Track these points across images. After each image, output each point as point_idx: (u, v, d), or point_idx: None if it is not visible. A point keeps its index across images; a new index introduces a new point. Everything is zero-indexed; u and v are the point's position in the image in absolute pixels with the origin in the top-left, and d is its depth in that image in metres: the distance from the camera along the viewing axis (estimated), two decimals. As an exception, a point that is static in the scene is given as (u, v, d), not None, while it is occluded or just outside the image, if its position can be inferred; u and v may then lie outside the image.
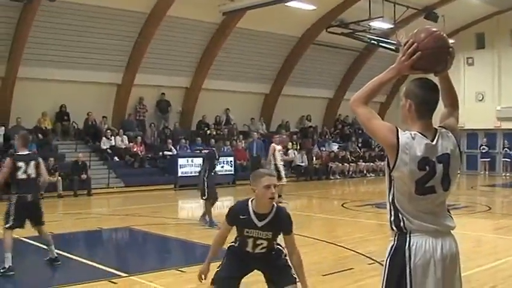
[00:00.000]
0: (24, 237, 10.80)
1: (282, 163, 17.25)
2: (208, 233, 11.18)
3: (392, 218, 3.27)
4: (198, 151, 23.93)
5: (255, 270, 5.13)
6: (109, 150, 23.11)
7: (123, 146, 23.56)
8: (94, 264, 8.91)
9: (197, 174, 22.73)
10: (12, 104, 21.83)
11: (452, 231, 3.30)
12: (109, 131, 23.60)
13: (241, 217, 4.84)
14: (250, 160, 25.36)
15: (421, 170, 3.15)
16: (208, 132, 26.72)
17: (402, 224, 3.22)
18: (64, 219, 14.77)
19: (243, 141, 26.64)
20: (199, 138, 25.63)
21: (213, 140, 24.18)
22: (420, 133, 3.22)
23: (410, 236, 3.19)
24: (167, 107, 26.18)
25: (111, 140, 23.43)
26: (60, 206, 18.02)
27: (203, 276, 5.03)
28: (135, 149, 23.53)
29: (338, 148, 30.28)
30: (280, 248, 5.09)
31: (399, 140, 3.15)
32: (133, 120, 25.18)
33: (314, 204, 17.23)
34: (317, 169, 27.55)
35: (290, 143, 27.27)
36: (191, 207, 17.11)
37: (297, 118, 31.38)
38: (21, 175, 8.57)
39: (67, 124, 23.35)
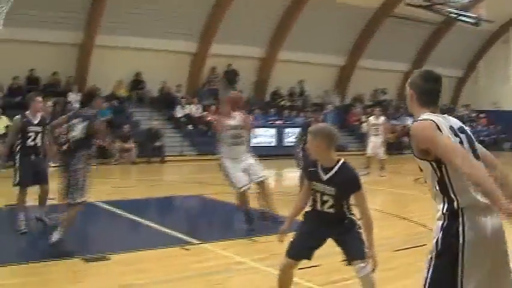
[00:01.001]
0: (97, 201, 11.13)
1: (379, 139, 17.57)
2: (284, 203, 11.18)
3: (444, 205, 3.25)
4: (271, 122, 24.00)
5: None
6: (183, 118, 23.42)
7: (197, 115, 23.84)
8: (166, 230, 9.07)
9: (269, 145, 23.17)
10: (88, 71, 22.41)
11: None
12: (183, 99, 23.88)
13: (310, 169, 4.95)
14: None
15: (456, 137, 3.32)
16: (282, 103, 26.67)
17: (456, 203, 3.19)
18: (138, 186, 15.13)
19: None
20: (272, 110, 25.64)
21: (286, 112, 24.12)
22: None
23: (462, 214, 3.16)
24: (234, 77, 26.26)
25: (185, 108, 23.72)
26: (134, 172, 18.47)
27: (283, 237, 5.03)
28: (209, 118, 23.76)
29: (411, 122, 29.61)
30: (353, 219, 5.01)
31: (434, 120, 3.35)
32: (206, 89, 25.39)
33: (386, 178, 16.97)
34: (391, 143, 27.05)
35: (364, 117, 26.89)
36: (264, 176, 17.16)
37: (371, 91, 30.89)
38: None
39: (142, 92, 23.80)
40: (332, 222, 4.90)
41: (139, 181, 16.05)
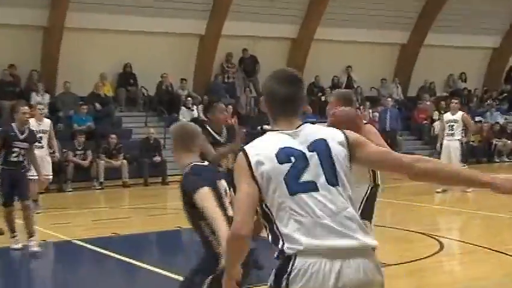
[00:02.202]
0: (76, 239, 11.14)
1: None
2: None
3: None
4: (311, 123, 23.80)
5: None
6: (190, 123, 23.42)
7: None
8: (171, 275, 9.04)
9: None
10: (58, 64, 22.62)
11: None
12: (189, 98, 23.98)
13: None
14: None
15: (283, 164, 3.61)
16: (323, 98, 26.56)
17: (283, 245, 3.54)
18: (132, 216, 15.12)
19: (371, 111, 26.30)
20: (309, 107, 25.50)
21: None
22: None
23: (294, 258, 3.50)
24: (254, 64, 26.22)
25: (192, 110, 23.79)
26: (126, 197, 18.53)
27: None
28: (229, 121, 23.76)
29: (505, 119, 29.37)
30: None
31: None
32: (220, 83, 25.45)
33: (470, 197, 16.77)
34: (475, 147, 26.83)
35: (436, 113, 26.71)
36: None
37: (445, 77, 30.67)
38: None
39: (133, 90, 23.88)
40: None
41: (133, 210, 16.08)
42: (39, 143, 14.12)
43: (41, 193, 17.27)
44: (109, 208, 16.47)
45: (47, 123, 15.37)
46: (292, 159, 3.56)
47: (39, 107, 16.33)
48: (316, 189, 3.54)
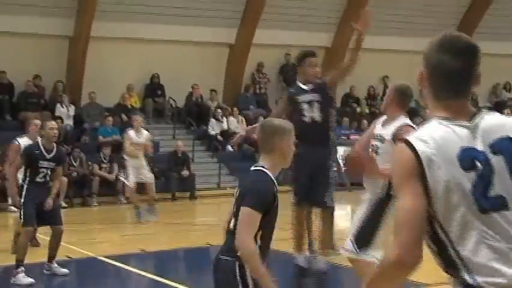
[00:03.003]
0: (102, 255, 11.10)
1: None
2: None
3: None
4: (345, 137, 23.64)
5: None
6: (219, 136, 23.44)
7: (239, 131, 23.80)
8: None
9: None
10: (84, 74, 22.75)
11: None
12: (219, 110, 24.01)
13: None
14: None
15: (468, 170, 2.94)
16: (359, 110, 26.42)
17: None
18: (159, 232, 15.07)
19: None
20: (346, 119, 25.40)
21: (365, 121, 23.85)
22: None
23: None
24: (294, 74, 26.08)
25: (222, 122, 23.84)
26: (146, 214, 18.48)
27: None
28: (256, 135, 23.70)
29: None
30: None
31: None
32: (251, 94, 25.43)
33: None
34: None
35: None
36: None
37: (489, 87, 30.38)
38: None
39: (160, 101, 23.92)
40: None
41: (160, 226, 16.01)
42: (136, 156, 15.61)
43: (64, 207, 17.36)
44: (135, 223, 16.44)
45: (145, 135, 16.01)
46: (478, 164, 2.87)
47: (139, 119, 16.72)
48: (506, 206, 2.88)
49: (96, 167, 20.00)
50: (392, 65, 27.57)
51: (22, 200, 9.91)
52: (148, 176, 16.20)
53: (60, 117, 21.05)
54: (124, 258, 11.24)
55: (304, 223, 9.89)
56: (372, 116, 25.43)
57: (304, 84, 9.95)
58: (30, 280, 9.54)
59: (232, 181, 22.19)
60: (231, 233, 4.80)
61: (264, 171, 4.77)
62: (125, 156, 16.35)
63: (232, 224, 4.82)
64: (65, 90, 22.42)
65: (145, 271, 10.39)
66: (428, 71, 3.09)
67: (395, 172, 2.91)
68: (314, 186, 9.53)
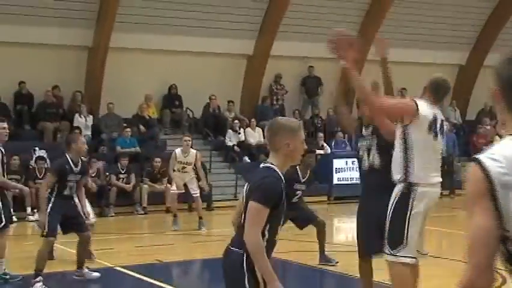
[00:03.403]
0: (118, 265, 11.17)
1: None
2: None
3: None
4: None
5: None
6: (236, 147, 23.50)
7: (256, 142, 23.86)
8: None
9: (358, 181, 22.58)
10: (102, 84, 22.93)
11: None
12: (236, 121, 24.08)
13: None
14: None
15: None
16: (375, 121, 26.44)
17: None
18: (176, 242, 15.12)
19: (426, 135, 26.14)
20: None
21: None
22: None
23: None
24: (317, 86, 26.23)
25: (239, 133, 23.91)
26: (170, 223, 18.52)
27: None
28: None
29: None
30: None
31: None
32: (268, 105, 25.48)
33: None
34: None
35: (497, 138, 26.31)
36: (351, 227, 16.96)
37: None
38: None
39: (178, 112, 24.00)
40: None
41: (177, 237, 16.06)
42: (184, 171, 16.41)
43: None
44: (152, 234, 16.51)
45: (193, 154, 16.54)
46: None
47: (186, 139, 16.93)
48: None
49: (114, 177, 20.08)
50: (410, 77, 27.48)
51: (48, 212, 10.11)
52: (195, 191, 16.79)
53: (78, 128, 21.19)
54: (140, 268, 11.30)
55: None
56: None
57: None
58: None
59: None
60: (242, 227, 4.94)
61: (272, 168, 4.93)
62: (171, 175, 16.91)
63: (242, 218, 4.99)
64: (83, 100, 22.54)
65: (161, 282, 10.43)
66: (501, 86, 2.97)
67: (466, 191, 2.84)
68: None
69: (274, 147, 5.04)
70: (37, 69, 22.06)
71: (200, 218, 16.52)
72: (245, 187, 5.11)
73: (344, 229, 18.08)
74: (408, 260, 6.71)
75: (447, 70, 28.71)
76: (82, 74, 22.99)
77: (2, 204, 10.36)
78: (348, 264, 11.60)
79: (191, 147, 16.86)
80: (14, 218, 13.60)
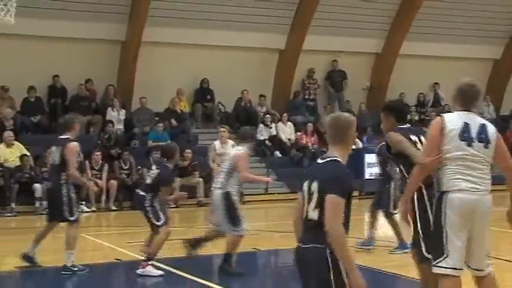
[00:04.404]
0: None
1: None
2: (402, 260, 10.94)
3: None
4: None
5: None
6: (267, 142, 23.56)
7: (287, 137, 23.88)
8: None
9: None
10: (135, 79, 23.15)
11: None
12: (268, 115, 24.13)
13: None
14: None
15: None
16: (408, 116, 26.33)
17: None
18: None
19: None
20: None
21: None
22: None
23: None
24: (342, 80, 26.24)
25: (271, 128, 23.94)
26: (201, 217, 18.58)
27: None
28: (304, 141, 23.73)
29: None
30: None
31: None
32: (300, 100, 25.49)
33: None
34: None
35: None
36: (383, 223, 16.92)
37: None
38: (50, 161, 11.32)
39: (210, 106, 24.11)
40: None
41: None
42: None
43: (114, 210, 17.69)
44: (183, 227, 16.55)
45: (230, 145, 16.31)
46: None
47: (222, 130, 17.46)
48: None
49: (146, 171, 20.15)
50: (443, 71, 27.38)
51: (159, 206, 10.75)
52: None
53: (111, 121, 21.39)
54: (171, 261, 11.35)
55: None
56: (422, 124, 25.37)
57: None
58: (160, 272, 10.52)
59: (280, 186, 22.26)
60: (315, 223, 5.11)
61: (340, 161, 5.22)
62: (213, 167, 17.34)
63: (315, 214, 5.13)
64: (116, 94, 22.76)
65: (192, 275, 10.50)
66: None
67: None
68: None
69: (341, 140, 5.32)
70: (71, 63, 22.31)
71: None
72: (306, 183, 5.25)
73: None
74: (449, 271, 6.52)
75: (481, 64, 28.59)
76: (115, 68, 23.22)
77: (73, 198, 10.78)
78: (380, 260, 11.63)
79: (228, 138, 17.03)
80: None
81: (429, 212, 6.99)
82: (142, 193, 10.79)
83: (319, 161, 5.34)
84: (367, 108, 26.41)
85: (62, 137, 11.00)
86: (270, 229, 16.30)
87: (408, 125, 8.06)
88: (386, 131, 7.94)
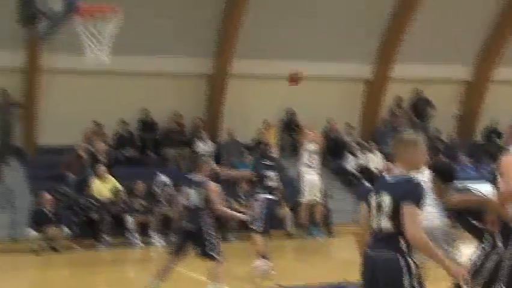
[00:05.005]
0: None
1: None
2: None
3: None
4: (488, 173, 23.24)
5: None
6: (355, 171, 23.57)
7: (376, 166, 23.84)
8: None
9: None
10: (222, 110, 23.70)
11: None
12: (355, 144, 24.21)
13: None
14: None
15: None
16: (502, 145, 26.00)
17: None
18: (294, 267, 15.21)
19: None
20: (487, 155, 24.95)
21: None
22: None
23: None
24: (427, 108, 26.08)
25: (359, 157, 23.98)
26: (289, 248, 18.65)
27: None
28: (393, 170, 23.65)
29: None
30: None
31: None
32: (388, 129, 25.49)
33: None
34: None
35: None
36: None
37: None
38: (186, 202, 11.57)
39: (297, 136, 24.25)
40: None
41: (297, 261, 16.17)
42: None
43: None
44: (272, 259, 16.69)
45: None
46: None
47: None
48: None
49: (233, 202, 20.32)
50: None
51: None
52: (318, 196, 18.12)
53: (199, 153, 21.75)
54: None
55: None
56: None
57: None
58: None
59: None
60: (387, 233, 5.68)
61: (409, 175, 5.80)
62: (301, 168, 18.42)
63: (388, 224, 5.67)
64: (204, 126, 23.19)
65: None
66: None
67: None
68: None
69: (407, 159, 5.88)
70: (160, 97, 22.84)
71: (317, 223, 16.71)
72: (375, 198, 5.83)
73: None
74: None
75: None
76: (202, 100, 23.69)
77: (215, 235, 11.44)
78: None
79: None
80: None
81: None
82: None
83: (387, 177, 5.92)
84: (458, 136, 26.17)
85: (195, 178, 11.54)
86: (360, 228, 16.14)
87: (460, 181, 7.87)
88: (437, 195, 7.86)
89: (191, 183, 11.50)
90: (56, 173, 20.49)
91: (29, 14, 9.83)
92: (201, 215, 11.24)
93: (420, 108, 26.08)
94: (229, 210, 12.65)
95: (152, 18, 21.81)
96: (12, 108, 21.35)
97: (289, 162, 23.51)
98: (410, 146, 5.89)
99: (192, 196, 11.34)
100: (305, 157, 18.55)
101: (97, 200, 19.28)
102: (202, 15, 22.46)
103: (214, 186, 11.45)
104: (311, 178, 18.15)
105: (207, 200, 11.22)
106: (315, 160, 19.11)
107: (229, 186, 21.10)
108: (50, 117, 21.86)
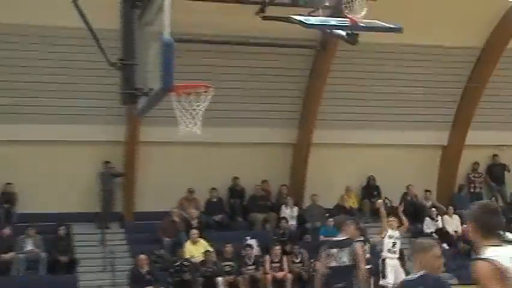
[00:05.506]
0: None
1: None
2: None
3: None
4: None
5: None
6: (434, 234, 24.05)
7: (454, 230, 24.63)
8: None
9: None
10: (306, 178, 24.67)
11: None
12: (433, 209, 24.87)
13: None
14: None
15: None
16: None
17: None
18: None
19: None
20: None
21: None
22: None
23: None
24: (503, 172, 26.71)
25: (437, 220, 24.65)
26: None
27: None
28: (470, 234, 24.08)
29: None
30: None
31: None
32: (465, 193, 26.25)
33: None
34: None
35: None
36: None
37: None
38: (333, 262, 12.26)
39: (376, 201, 25.14)
40: None
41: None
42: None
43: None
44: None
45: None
46: None
47: (391, 219, 19.22)
48: None
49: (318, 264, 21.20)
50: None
51: None
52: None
53: (285, 218, 22.97)
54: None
55: None
56: None
57: None
58: None
59: (448, 278, 22.67)
60: None
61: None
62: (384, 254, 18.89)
63: None
64: (289, 192, 24.31)
65: None
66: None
67: None
68: None
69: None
70: (248, 165, 24.00)
71: None
72: None
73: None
74: None
75: None
76: (287, 168, 24.79)
77: None
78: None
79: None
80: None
81: None
82: None
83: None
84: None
85: (341, 238, 12.75)
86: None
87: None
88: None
89: (338, 245, 12.50)
90: (153, 237, 21.98)
91: (130, 94, 10.17)
92: (350, 272, 12.25)
93: (496, 173, 26.70)
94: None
95: (240, 95, 23.13)
96: (114, 178, 22.85)
97: (369, 226, 24.32)
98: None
99: (340, 256, 12.32)
100: (389, 244, 19.17)
101: (189, 261, 20.56)
102: (286, 91, 23.68)
103: (360, 247, 12.54)
104: (393, 263, 18.84)
105: (355, 259, 12.20)
106: (397, 246, 19.44)
107: (315, 250, 22.10)
108: (147, 185, 23.18)
